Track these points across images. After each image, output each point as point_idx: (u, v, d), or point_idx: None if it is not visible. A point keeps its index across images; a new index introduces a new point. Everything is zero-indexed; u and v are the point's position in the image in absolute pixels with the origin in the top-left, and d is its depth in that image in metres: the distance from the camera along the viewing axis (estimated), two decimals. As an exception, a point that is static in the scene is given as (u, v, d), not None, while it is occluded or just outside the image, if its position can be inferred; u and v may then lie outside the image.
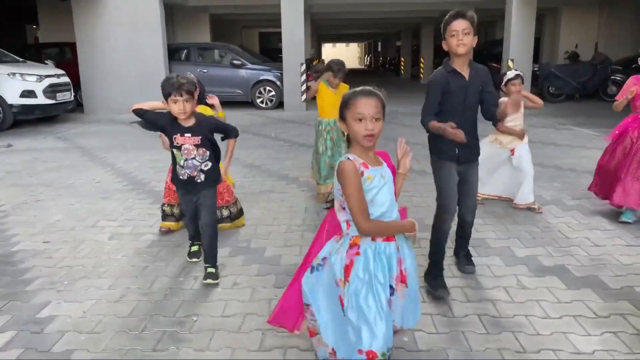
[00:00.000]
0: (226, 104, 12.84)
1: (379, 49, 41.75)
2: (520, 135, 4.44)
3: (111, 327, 2.71)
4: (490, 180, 4.63)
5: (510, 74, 4.41)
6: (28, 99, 9.73)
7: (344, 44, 57.95)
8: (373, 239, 1.99)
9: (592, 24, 16.61)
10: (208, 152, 3.18)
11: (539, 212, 4.40)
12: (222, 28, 19.83)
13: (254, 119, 11.29)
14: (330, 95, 4.71)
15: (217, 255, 3.29)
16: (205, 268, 3.26)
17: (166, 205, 4.07)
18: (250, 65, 13.09)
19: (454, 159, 2.95)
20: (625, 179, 4.06)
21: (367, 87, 2.05)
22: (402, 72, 27.80)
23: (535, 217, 4.33)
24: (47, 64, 11.73)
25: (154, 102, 3.22)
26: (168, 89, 2.99)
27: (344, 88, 4.57)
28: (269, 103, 12.92)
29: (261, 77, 12.92)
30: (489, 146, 4.50)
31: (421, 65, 22.36)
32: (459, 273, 3.29)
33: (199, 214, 3.30)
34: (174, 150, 3.18)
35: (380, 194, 1.99)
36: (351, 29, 31.94)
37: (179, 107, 3.01)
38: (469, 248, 3.36)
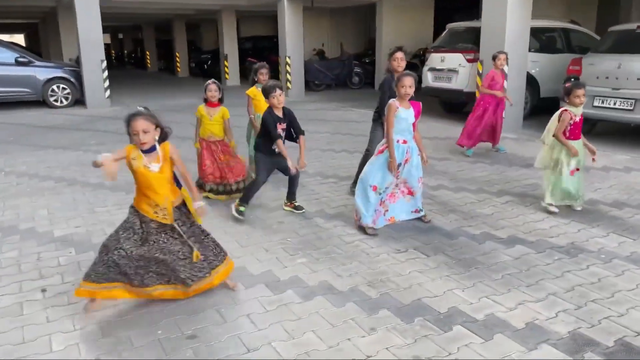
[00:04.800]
0: (15, 104, 12.18)
1: (107, 42, 40.22)
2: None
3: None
4: None
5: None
6: None
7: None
8: (397, 141, 4.25)
9: (325, 27, 20.49)
10: (285, 134, 4.61)
11: None
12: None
13: (64, 117, 11.14)
14: (261, 95, 5.54)
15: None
16: (294, 203, 4.92)
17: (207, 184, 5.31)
18: (38, 63, 12.53)
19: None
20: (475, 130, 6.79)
21: (408, 72, 4.24)
22: (148, 66, 28.15)
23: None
24: None
25: None
26: (268, 90, 4.44)
27: None
28: (64, 101, 12.62)
29: (53, 75, 12.51)
30: None
31: (177, 59, 23.40)
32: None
33: (286, 173, 4.71)
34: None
35: (403, 120, 4.21)
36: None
37: (278, 99, 4.40)
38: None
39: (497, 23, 8.20)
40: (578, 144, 4.71)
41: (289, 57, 14.43)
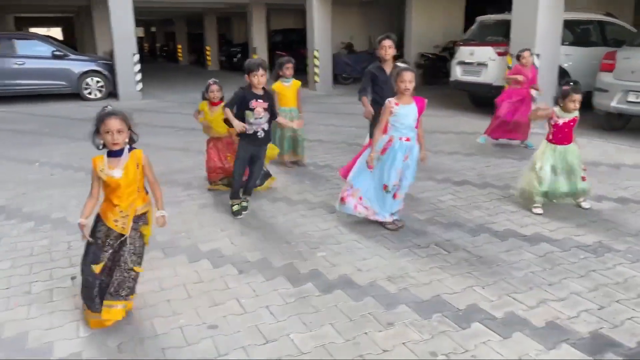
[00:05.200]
0: (51, 97, 12.55)
1: (140, 35, 40.91)
2: None
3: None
4: None
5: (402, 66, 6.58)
6: None
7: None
8: (399, 139, 4.12)
9: (354, 20, 20.39)
10: (269, 116, 4.53)
11: None
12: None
13: (96, 110, 11.35)
14: (286, 90, 6.04)
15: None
16: (245, 198, 4.76)
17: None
18: (73, 56, 12.86)
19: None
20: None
21: (406, 66, 4.20)
22: (179, 59, 28.55)
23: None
24: None
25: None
26: (251, 67, 4.32)
27: (297, 83, 6.14)
28: (98, 94, 12.94)
29: (87, 68, 12.83)
30: None
31: (207, 53, 23.66)
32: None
33: (254, 163, 4.66)
34: (247, 112, 4.44)
35: (403, 117, 4.10)
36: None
37: (258, 80, 4.34)
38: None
39: (528, 15, 8.03)
40: (566, 149, 4.60)
41: (317, 51, 14.43)
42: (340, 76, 16.00)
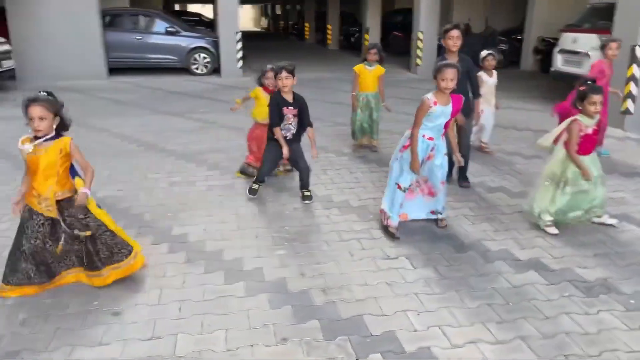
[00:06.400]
0: (163, 70, 13.52)
1: (278, 12, 42.36)
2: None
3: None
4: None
5: (484, 53, 6.06)
6: (-24, 66, 9.81)
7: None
8: (423, 136, 3.86)
9: (476, 0, 19.03)
10: (297, 122, 4.48)
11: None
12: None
13: (196, 85, 12.08)
14: (367, 74, 5.97)
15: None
16: (304, 192, 4.67)
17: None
18: (184, 33, 13.71)
19: None
20: None
21: (450, 62, 3.77)
22: (306, 37, 29.08)
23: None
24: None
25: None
26: (275, 70, 4.30)
27: (380, 70, 6.02)
28: (204, 69, 13.69)
29: (196, 45, 13.62)
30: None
31: (328, 31, 23.79)
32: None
33: (295, 162, 4.66)
34: None
35: (436, 118, 3.81)
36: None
37: (283, 82, 4.27)
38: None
39: (636, -2, 6.82)
40: (589, 159, 3.93)
41: (421, 32, 13.73)
42: (449, 60, 15.10)
